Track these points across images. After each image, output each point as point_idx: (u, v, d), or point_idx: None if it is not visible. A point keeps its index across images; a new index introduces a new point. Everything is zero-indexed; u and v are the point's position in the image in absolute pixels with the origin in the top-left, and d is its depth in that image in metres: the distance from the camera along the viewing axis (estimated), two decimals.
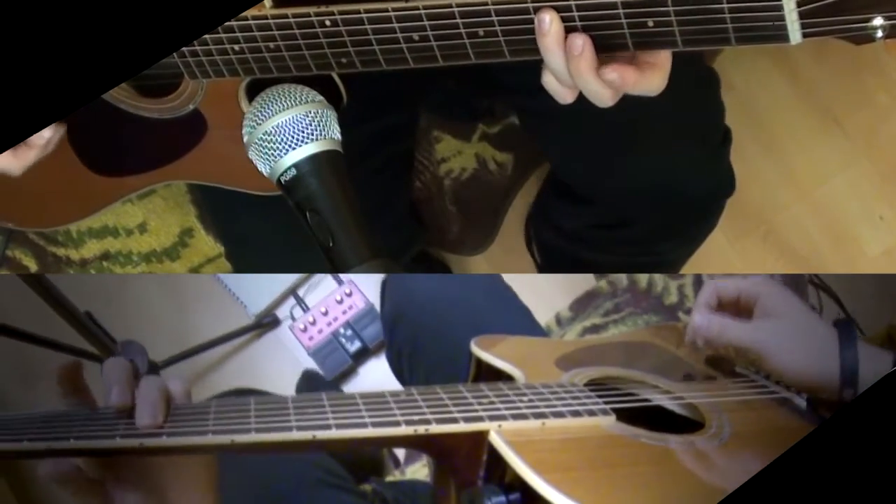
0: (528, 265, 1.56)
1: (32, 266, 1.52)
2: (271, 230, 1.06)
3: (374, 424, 0.60)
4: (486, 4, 0.71)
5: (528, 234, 1.52)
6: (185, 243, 1.53)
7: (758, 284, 0.77)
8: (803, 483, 0.72)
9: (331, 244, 0.71)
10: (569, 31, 0.71)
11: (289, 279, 1.73)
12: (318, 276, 1.73)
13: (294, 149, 0.72)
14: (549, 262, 1.44)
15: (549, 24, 0.70)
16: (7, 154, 0.80)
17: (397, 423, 0.60)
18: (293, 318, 1.70)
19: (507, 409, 0.63)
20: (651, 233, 1.14)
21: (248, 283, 1.74)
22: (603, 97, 0.73)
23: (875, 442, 0.75)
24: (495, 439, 0.60)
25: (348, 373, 1.66)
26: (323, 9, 0.75)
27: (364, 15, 0.74)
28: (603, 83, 0.71)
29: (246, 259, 1.16)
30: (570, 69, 0.71)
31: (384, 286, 1.17)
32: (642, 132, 1.00)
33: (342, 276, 1.71)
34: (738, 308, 0.78)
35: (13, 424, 0.58)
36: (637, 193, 1.06)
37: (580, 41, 0.70)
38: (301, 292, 1.73)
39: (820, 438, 0.71)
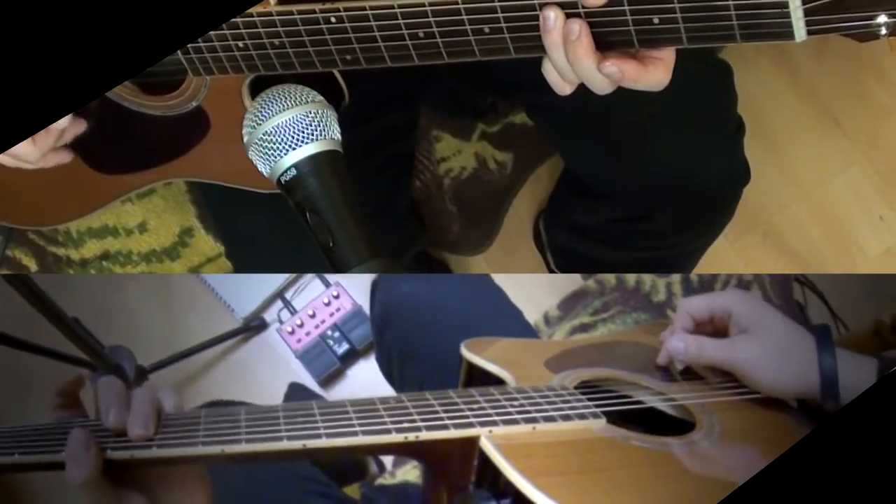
0: (528, 265, 1.56)
1: (32, 266, 1.52)
2: (271, 229, 1.05)
3: (365, 433, 0.59)
4: (492, 1, 0.71)
5: (539, 239, 1.52)
6: (185, 243, 1.53)
7: (729, 299, 0.76)
8: (799, 485, 0.72)
9: (331, 244, 0.71)
10: None
11: (276, 282, 1.72)
12: (305, 279, 1.72)
13: (294, 149, 0.72)
14: (565, 265, 1.43)
15: (553, 20, 0.70)
16: (26, 141, 0.80)
17: (388, 431, 0.59)
18: (280, 321, 1.69)
19: (497, 414, 0.63)
20: (669, 225, 1.13)
21: (236, 286, 1.72)
22: (602, 85, 0.73)
23: (871, 444, 0.75)
24: (486, 445, 0.60)
25: (336, 375, 1.65)
26: (328, 5, 0.75)
27: (370, 12, 0.74)
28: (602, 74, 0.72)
29: (246, 258, 1.16)
30: (569, 55, 0.71)
31: (374, 288, 1.16)
32: (659, 122, 1.00)
33: (329, 278, 1.71)
34: (714, 326, 0.77)
35: (2, 437, 0.59)
36: (655, 184, 1.05)
37: (577, 26, 0.70)
38: (288, 295, 1.72)
39: (814, 442, 0.71)
